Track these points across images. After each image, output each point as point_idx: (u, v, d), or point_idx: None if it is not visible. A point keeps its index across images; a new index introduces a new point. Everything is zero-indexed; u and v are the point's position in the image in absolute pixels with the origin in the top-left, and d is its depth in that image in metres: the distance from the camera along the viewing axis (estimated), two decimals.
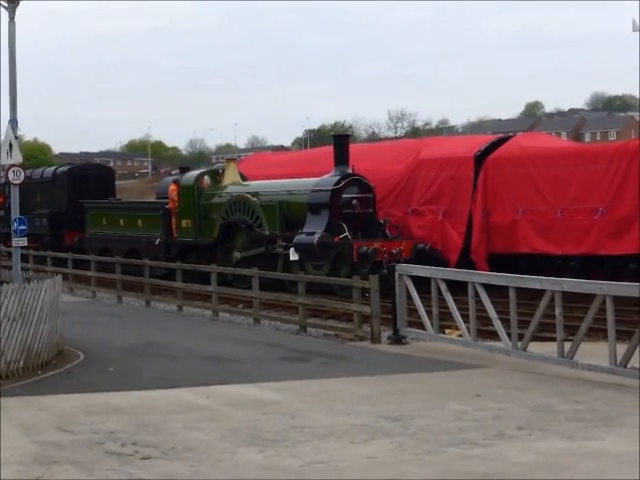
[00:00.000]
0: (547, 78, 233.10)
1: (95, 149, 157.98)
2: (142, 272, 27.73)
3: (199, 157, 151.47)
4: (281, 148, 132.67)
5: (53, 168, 42.12)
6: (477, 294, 15.47)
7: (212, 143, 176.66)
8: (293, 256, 27.57)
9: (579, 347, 13.49)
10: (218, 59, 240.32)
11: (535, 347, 14.81)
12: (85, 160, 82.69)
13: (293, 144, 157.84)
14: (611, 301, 12.80)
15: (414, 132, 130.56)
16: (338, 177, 27.92)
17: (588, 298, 13.65)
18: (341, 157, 28.24)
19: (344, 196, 27.71)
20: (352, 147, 29.71)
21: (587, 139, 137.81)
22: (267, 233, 29.05)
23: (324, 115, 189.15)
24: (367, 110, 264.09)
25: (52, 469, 8.78)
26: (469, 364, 14.91)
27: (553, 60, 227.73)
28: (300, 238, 27.57)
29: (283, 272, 26.55)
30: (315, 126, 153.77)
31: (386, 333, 18.54)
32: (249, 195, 30.04)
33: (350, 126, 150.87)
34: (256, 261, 28.40)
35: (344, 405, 11.70)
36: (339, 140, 29.06)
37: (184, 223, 32.08)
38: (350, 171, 28.14)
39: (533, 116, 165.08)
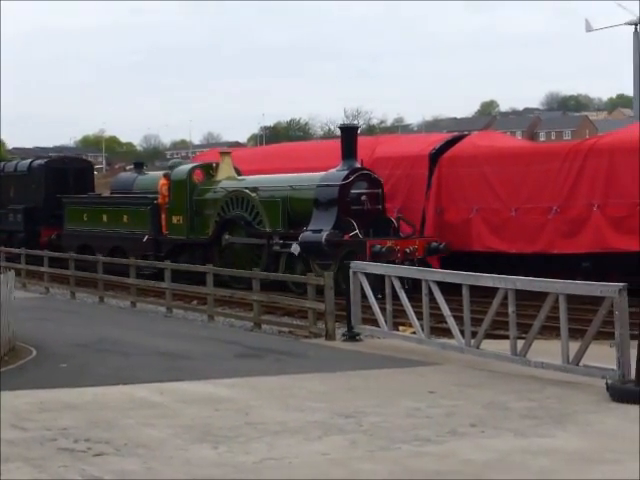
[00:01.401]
0: (502, 77, 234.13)
1: (49, 144, 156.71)
2: (126, 271, 26.43)
3: (154, 153, 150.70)
4: (236, 144, 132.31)
5: (28, 161, 40.63)
6: (431, 292, 15.52)
7: (167, 139, 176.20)
8: (295, 251, 26.60)
9: (532, 345, 13.56)
10: (173, 56, 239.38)
11: (488, 345, 14.87)
12: (40, 154, 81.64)
13: (249, 140, 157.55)
14: (564, 299, 12.88)
15: (370, 130, 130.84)
16: (346, 171, 26.70)
17: (541, 296, 13.74)
18: (349, 150, 26.88)
19: (353, 191, 26.56)
20: (307, 145, 29.52)
21: (542, 138, 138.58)
22: (268, 230, 27.92)
23: (280, 112, 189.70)
24: (323, 107, 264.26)
25: (4, 466, 8.70)
26: (422, 361, 14.96)
27: (508, 59, 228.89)
28: (306, 236, 26.46)
29: (286, 272, 25.90)
30: (271, 123, 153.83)
31: (340, 330, 18.57)
32: (248, 190, 28.78)
33: (306, 123, 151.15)
34: (258, 259, 27.83)
35: (298, 402, 11.70)
36: (347, 132, 27.61)
37: (175, 219, 30.80)
38: (358, 165, 26.95)
39: (488, 115, 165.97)
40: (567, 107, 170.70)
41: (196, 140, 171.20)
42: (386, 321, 16.98)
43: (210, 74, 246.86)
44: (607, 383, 11.76)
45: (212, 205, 29.88)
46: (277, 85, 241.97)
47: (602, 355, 12.91)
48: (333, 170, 27.21)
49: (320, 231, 26.15)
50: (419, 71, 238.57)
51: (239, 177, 30.87)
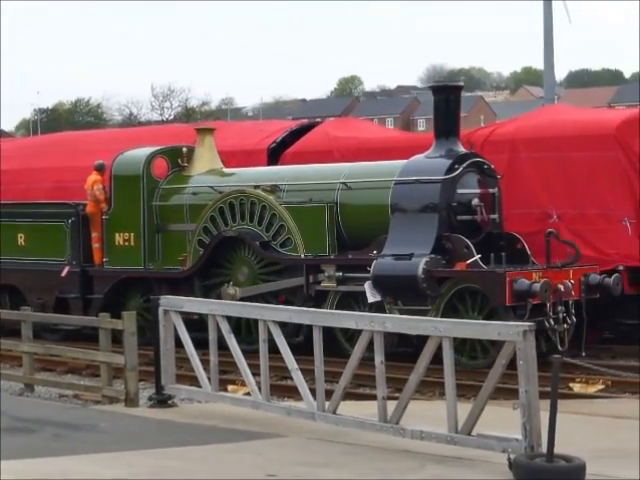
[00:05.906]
0: (366, 45, 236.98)
1: None
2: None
3: None
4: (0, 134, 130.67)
5: None
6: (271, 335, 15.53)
7: None
8: (373, 296, 22.29)
9: (407, 408, 13.66)
10: None
11: (348, 408, 14.95)
12: None
13: (18, 129, 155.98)
14: (450, 345, 12.99)
15: (187, 114, 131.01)
16: (449, 159, 22.75)
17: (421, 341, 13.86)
18: (447, 124, 23.16)
19: (459, 192, 22.67)
20: (86, 135, 28.50)
21: (421, 127, 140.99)
22: (303, 256, 23.90)
23: (62, 89, 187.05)
24: (124, 84, 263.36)
25: None
26: (259, 433, 14.94)
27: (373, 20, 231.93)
28: (384, 265, 22.22)
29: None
30: (49, 104, 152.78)
31: (146, 392, 18.54)
32: (261, 191, 24.70)
33: (98, 105, 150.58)
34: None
35: None
36: (443, 94, 23.30)
37: (120, 239, 26.35)
38: (463, 149, 23.15)
39: (349, 96, 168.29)
40: None
41: None
42: (210, 378, 16.91)
43: None
44: (509, 459, 11.92)
45: (190, 215, 25.96)
46: (57, 52, 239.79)
47: (502, 420, 13.09)
48: (420, 156, 23.54)
49: (410, 256, 21.95)
50: (257, 35, 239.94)
51: (228, 170, 27.06)
